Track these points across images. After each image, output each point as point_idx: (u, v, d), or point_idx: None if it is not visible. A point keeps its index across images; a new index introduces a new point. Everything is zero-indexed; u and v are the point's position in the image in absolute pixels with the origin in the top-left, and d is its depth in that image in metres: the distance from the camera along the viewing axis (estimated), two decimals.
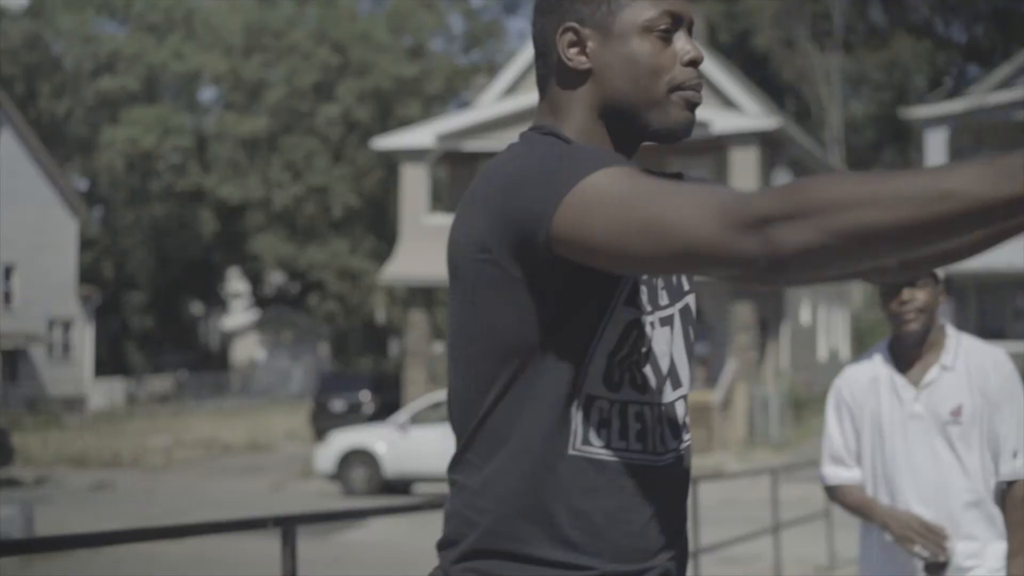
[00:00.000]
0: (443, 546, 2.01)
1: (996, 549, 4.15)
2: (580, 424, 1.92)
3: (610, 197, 1.76)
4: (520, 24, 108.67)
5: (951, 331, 4.25)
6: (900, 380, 4.23)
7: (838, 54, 47.37)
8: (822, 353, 36.53)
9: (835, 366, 37.59)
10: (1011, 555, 4.11)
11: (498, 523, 1.93)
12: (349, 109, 45.43)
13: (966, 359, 4.17)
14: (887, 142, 45.81)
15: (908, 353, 4.23)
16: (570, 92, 2.02)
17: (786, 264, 1.65)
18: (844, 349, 38.74)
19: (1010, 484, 4.15)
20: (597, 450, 1.93)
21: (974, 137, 32.55)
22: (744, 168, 31.15)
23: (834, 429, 4.39)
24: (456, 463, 2.00)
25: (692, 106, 2.00)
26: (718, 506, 18.96)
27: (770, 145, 31.94)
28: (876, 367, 4.31)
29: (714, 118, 31.17)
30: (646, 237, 1.73)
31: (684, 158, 33.20)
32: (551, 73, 2.04)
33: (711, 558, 12.18)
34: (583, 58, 2.00)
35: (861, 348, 38.24)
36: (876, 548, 4.33)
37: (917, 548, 4.09)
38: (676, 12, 1.99)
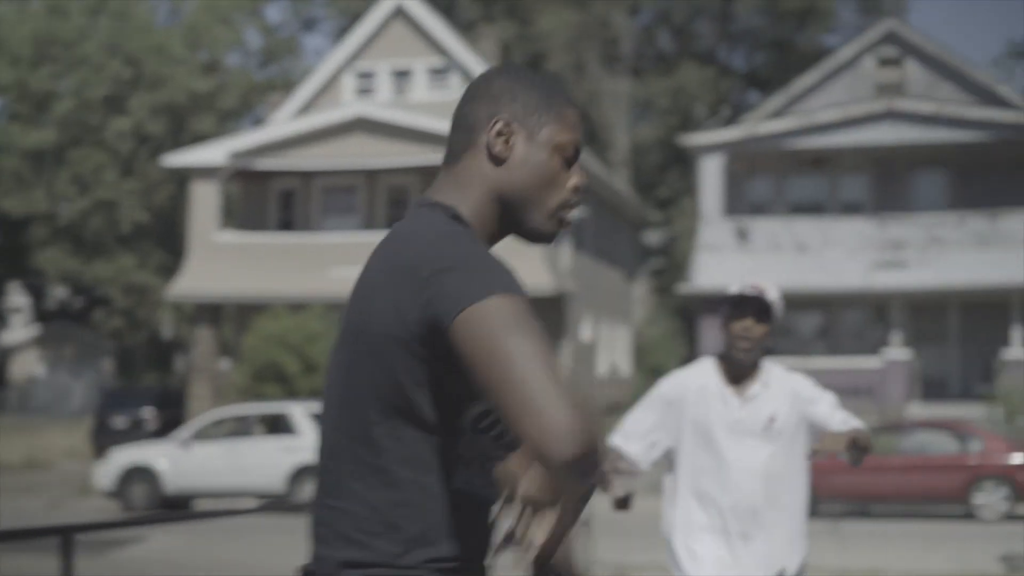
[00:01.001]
0: (352, 564, 2.20)
1: (786, 541, 5.00)
2: (456, 466, 2.22)
3: (501, 333, 2.00)
4: (316, 41, 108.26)
5: (766, 361, 5.01)
6: (728, 391, 4.95)
7: (627, 79, 48.72)
8: (602, 369, 37.41)
9: (615, 381, 38.72)
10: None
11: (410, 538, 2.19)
12: (141, 123, 44.93)
13: (779, 380, 4.96)
14: (671, 165, 47.28)
15: (735, 370, 4.94)
16: (480, 172, 2.30)
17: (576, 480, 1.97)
18: (624, 365, 39.75)
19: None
20: (469, 487, 2.24)
21: (748, 164, 33.98)
22: None
23: (639, 413, 5.08)
24: (335, 491, 2.23)
25: (566, 223, 2.36)
26: None
27: None
28: (705, 377, 5.01)
29: None
30: (507, 393, 1.96)
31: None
32: (467, 150, 2.32)
33: None
34: (505, 148, 2.30)
35: (642, 364, 39.47)
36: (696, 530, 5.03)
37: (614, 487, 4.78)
38: (579, 146, 2.36)
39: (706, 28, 53.15)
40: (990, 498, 21.06)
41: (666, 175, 47.25)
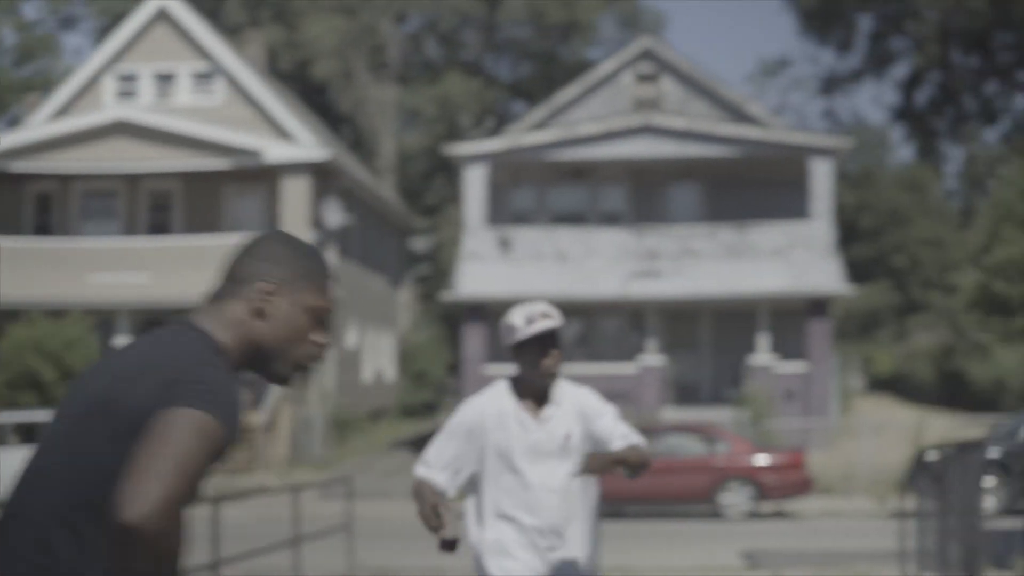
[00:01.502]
0: None
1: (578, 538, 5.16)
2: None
3: (178, 428, 2.36)
4: (76, 40, 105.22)
5: (559, 382, 5.16)
6: (524, 415, 5.08)
7: (394, 87, 49.07)
8: (367, 375, 37.69)
9: (380, 387, 39.02)
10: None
11: None
12: None
13: (570, 398, 5.12)
14: (437, 173, 47.84)
15: (529, 393, 5.10)
16: (241, 319, 2.67)
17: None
18: (390, 371, 40.09)
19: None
20: None
21: (511, 174, 34.73)
22: (296, 197, 31.98)
23: (441, 443, 5.15)
24: (47, 549, 2.44)
25: (305, 369, 2.76)
26: (257, 524, 19.73)
27: (322, 175, 32.93)
28: (501, 401, 5.13)
29: (267, 147, 31.89)
30: (139, 456, 2.32)
31: (238, 185, 33.79)
32: (234, 297, 2.68)
33: (233, 571, 12.85)
34: (268, 306, 2.68)
35: (407, 370, 39.89)
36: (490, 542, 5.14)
37: (432, 526, 4.82)
38: (331, 310, 2.78)
39: (472, 38, 53.92)
40: (735, 498, 22.17)
41: (432, 183, 47.78)
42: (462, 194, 34.06)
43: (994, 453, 19.80)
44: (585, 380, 30.98)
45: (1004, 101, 63.51)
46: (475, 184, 32.82)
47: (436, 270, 45.12)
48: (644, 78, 35.66)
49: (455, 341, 39.33)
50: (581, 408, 5.11)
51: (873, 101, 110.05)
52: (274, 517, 21.16)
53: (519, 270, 31.97)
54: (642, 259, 32.12)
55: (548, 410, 5.10)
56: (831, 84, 64.41)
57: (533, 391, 5.12)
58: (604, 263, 31.99)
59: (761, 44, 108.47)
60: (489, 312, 32.27)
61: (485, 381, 31.10)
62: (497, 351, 32.99)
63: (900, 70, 65.81)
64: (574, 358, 33.05)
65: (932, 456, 21.01)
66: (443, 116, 47.27)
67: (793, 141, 32.96)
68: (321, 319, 2.76)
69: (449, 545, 4.82)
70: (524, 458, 5.07)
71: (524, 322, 5.03)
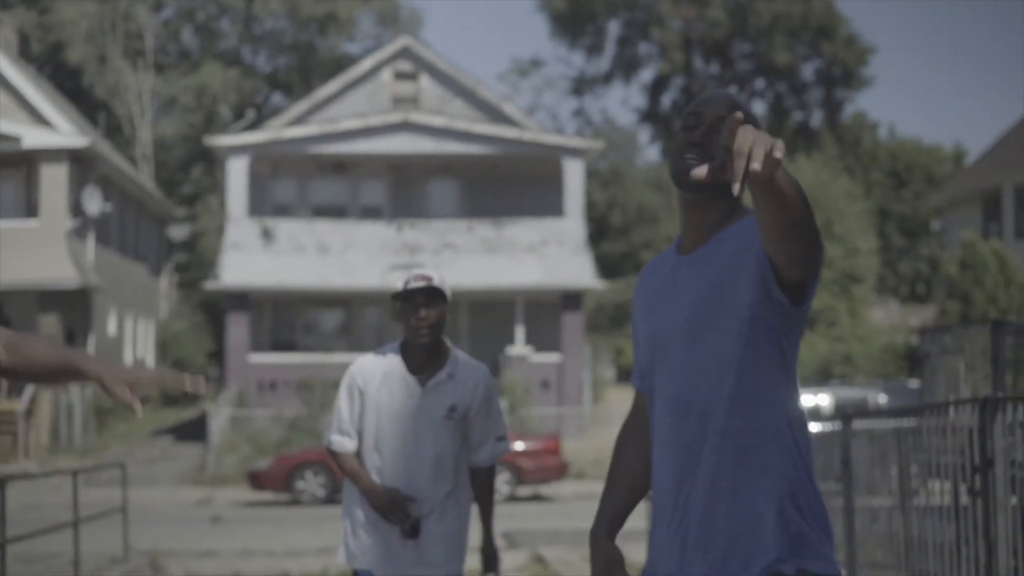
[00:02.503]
0: None
1: (457, 522, 5.20)
2: None
3: None
4: None
5: (451, 345, 5.25)
6: (411, 379, 5.12)
7: (150, 74, 48.52)
8: (128, 361, 37.31)
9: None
10: (484, 517, 5.29)
11: None
12: None
13: (464, 370, 5.18)
14: (195, 162, 47.56)
15: (419, 357, 5.14)
16: None
17: None
18: (150, 358, 39.85)
19: (487, 467, 5.29)
20: None
21: (273, 166, 35.08)
22: (54, 184, 31.59)
23: (344, 407, 5.16)
24: None
25: None
26: (20, 510, 19.69)
27: (81, 162, 32.60)
28: (390, 364, 5.16)
29: (25, 133, 31.40)
30: None
31: None
32: None
33: (11, 556, 12.98)
34: None
35: (167, 357, 39.70)
36: (359, 526, 5.17)
37: (392, 518, 5.02)
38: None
39: (229, 28, 53.68)
40: (496, 482, 23.18)
41: (190, 172, 47.46)
42: (225, 185, 34.21)
43: None
44: (344, 369, 31.62)
45: None
46: (237, 175, 33.02)
47: (195, 259, 44.89)
48: (403, 76, 36.44)
49: (216, 330, 39.33)
50: (475, 389, 5.16)
51: (622, 103, 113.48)
52: (34, 503, 21.16)
53: (281, 261, 32.37)
54: (402, 252, 32.92)
55: (438, 378, 5.14)
56: (582, 86, 66.47)
57: (423, 356, 5.14)
58: (365, 256, 32.64)
59: (515, 44, 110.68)
60: (252, 301, 32.56)
61: (250, 369, 31.45)
62: (261, 340, 33.32)
63: (647, 74, 68.31)
64: (336, 348, 33.63)
65: None
66: (201, 106, 47.01)
67: (547, 141, 34.30)
68: None
69: (413, 531, 5.02)
70: (404, 421, 5.10)
71: (402, 284, 5.12)
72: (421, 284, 5.08)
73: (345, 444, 5.15)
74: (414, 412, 5.11)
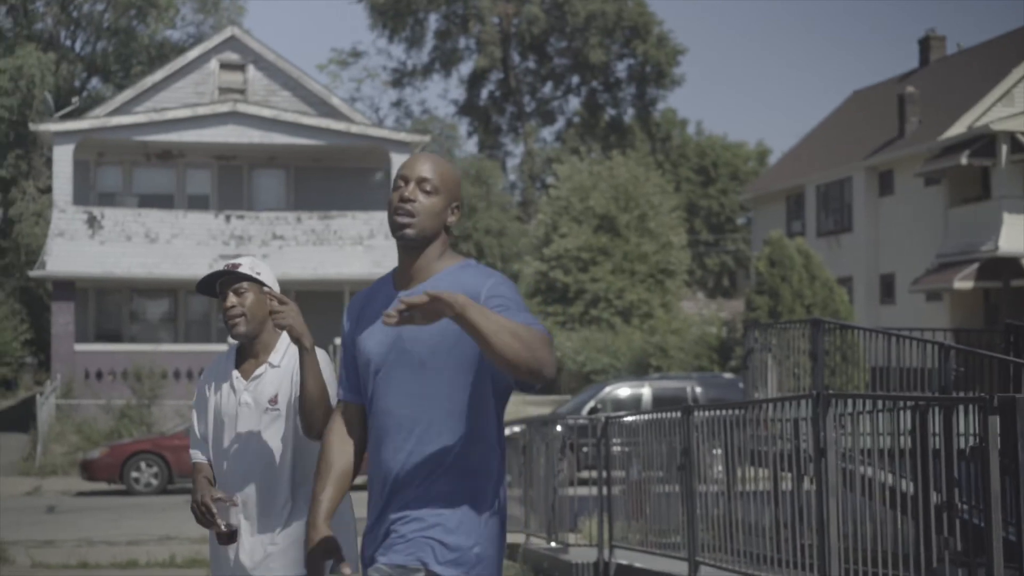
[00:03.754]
0: None
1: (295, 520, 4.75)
2: None
3: None
4: None
5: (284, 336, 4.78)
6: (236, 373, 4.79)
7: None
8: None
9: None
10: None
11: None
12: None
13: (289, 358, 4.74)
14: (13, 146, 46.59)
15: (247, 350, 4.81)
16: None
17: None
18: None
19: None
20: None
21: (98, 153, 34.87)
22: None
23: (194, 415, 4.92)
24: None
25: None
26: None
27: None
28: (222, 363, 4.89)
29: None
30: None
31: None
32: None
33: None
34: None
35: None
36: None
37: (203, 523, 4.65)
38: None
39: (45, 10, 52.65)
40: None
41: (6, 156, 46.48)
42: (51, 172, 33.88)
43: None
44: (172, 357, 31.56)
45: (559, 103, 68.28)
46: (63, 162, 32.76)
47: (12, 244, 44.10)
48: (230, 66, 36.52)
49: (34, 318, 38.86)
50: (295, 367, 4.73)
51: (441, 95, 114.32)
52: None
53: (108, 249, 32.28)
54: (230, 242, 33.13)
55: (260, 369, 4.80)
56: (402, 77, 67.02)
57: (251, 350, 4.84)
58: (192, 245, 32.76)
59: (335, 35, 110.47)
60: (78, 290, 32.40)
61: (76, 358, 31.33)
62: (86, 329, 33.16)
63: (466, 68, 69.22)
64: (163, 337, 33.65)
65: (513, 430, 23.43)
66: (17, 88, 46.08)
67: (374, 134, 34.90)
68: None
69: (227, 537, 4.70)
70: (231, 418, 4.79)
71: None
72: (220, 267, 4.82)
73: (198, 455, 4.92)
74: (241, 407, 4.78)
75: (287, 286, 33.77)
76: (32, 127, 34.44)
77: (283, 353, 4.78)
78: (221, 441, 4.82)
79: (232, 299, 4.74)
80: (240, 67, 36.40)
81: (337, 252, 33.32)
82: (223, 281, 4.77)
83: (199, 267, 32.25)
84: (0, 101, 44.59)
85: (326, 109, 36.05)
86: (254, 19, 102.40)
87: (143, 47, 50.70)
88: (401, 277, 3.79)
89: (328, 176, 35.83)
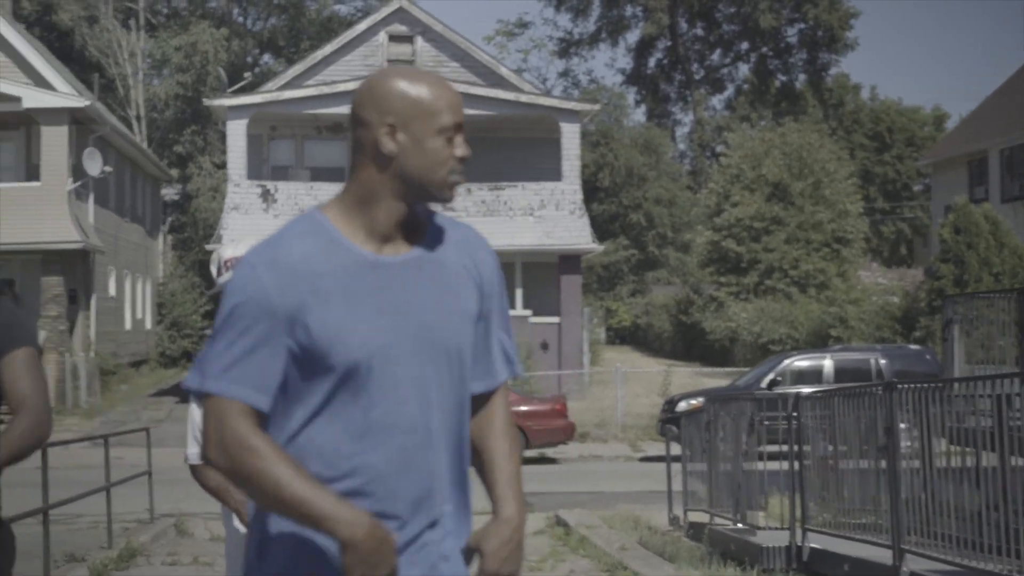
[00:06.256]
0: None
1: None
2: None
3: None
4: None
5: None
6: None
7: (142, 34, 48.38)
8: (128, 324, 37.57)
9: (140, 334, 38.98)
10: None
11: None
12: None
13: None
14: (189, 122, 47.52)
15: None
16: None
17: None
18: (148, 318, 40.05)
19: None
20: None
21: (270, 128, 35.20)
22: (55, 145, 31.62)
23: (195, 412, 4.62)
24: None
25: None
26: (32, 471, 19.89)
27: (81, 123, 32.64)
28: None
29: (25, 94, 31.38)
30: None
31: None
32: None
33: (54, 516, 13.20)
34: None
35: (164, 318, 39.88)
36: (236, 532, 4.64)
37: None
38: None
39: None
40: None
41: (183, 132, 47.43)
42: (226, 147, 34.29)
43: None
44: None
45: (728, 70, 67.08)
46: (237, 137, 33.11)
47: (190, 219, 44.97)
48: (398, 38, 36.52)
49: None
50: None
51: (608, 64, 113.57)
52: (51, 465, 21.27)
53: (282, 222, 32.06)
54: None
55: None
56: (568, 47, 66.54)
57: None
58: None
59: (501, 6, 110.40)
60: None
61: None
62: None
63: (633, 36, 68.41)
64: None
65: (685, 405, 22.83)
66: (192, 66, 46.94)
67: (544, 103, 34.52)
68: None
69: None
70: None
71: (215, 271, 4.72)
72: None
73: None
74: None
75: None
76: (206, 102, 34.88)
77: None
78: None
79: None
80: (408, 39, 36.36)
81: (507, 223, 33.07)
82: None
83: None
84: (175, 78, 45.37)
85: (495, 79, 35.79)
86: None
87: (312, 22, 51.15)
88: (369, 232, 2.75)
89: (498, 147, 35.55)
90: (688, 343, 42.95)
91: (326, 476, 2.63)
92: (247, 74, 41.16)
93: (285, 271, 2.68)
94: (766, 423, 12.57)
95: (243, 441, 2.59)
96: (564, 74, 67.27)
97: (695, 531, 13.65)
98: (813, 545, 10.84)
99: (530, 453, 23.95)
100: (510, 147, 35.55)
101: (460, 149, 2.76)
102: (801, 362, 24.66)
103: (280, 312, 2.65)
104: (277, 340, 2.65)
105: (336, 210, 2.75)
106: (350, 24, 43.68)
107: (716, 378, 31.16)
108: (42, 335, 30.10)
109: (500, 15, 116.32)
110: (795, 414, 11.37)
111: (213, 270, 4.65)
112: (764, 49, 64.85)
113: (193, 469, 4.64)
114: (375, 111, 2.67)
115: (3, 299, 3.92)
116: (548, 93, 43.92)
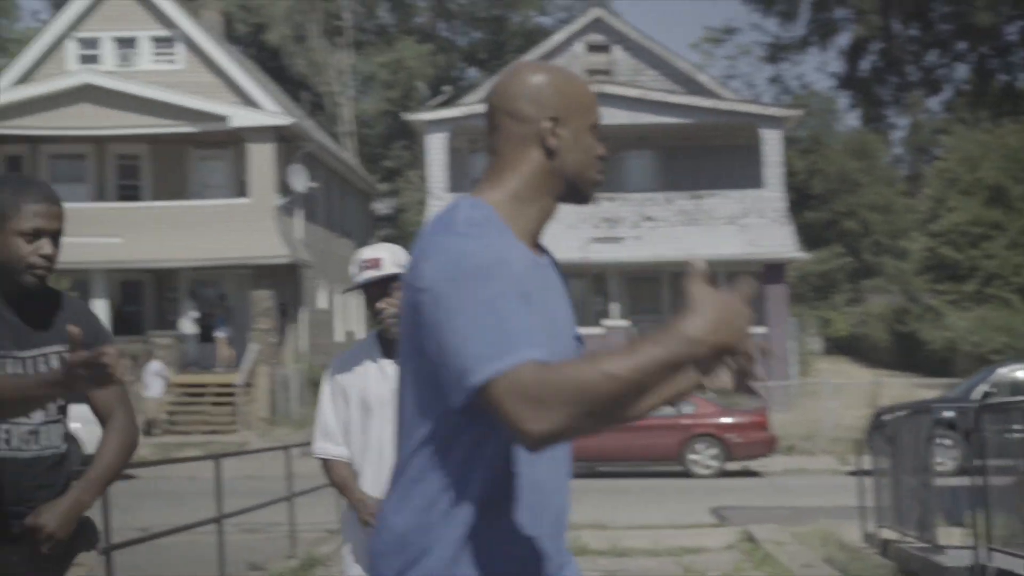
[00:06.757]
0: None
1: None
2: None
3: None
4: (33, 3, 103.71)
5: None
6: (386, 362, 4.67)
7: (349, 52, 49.34)
8: (339, 335, 38.22)
9: (351, 345, 39.63)
10: None
11: None
12: None
13: None
14: (396, 137, 48.22)
15: (394, 338, 4.60)
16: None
17: None
18: (360, 331, 40.69)
19: None
20: None
21: (470, 140, 35.34)
22: (262, 162, 32.36)
23: (327, 408, 4.78)
24: None
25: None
26: (242, 480, 20.28)
27: (286, 140, 33.34)
28: (366, 353, 4.74)
29: (232, 113, 32.23)
30: None
31: (203, 150, 34.15)
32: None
33: (233, 525, 13.33)
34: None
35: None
36: (355, 519, 4.76)
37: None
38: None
39: (424, 3, 54.23)
40: (703, 456, 22.97)
41: (391, 146, 48.17)
42: (425, 160, 34.58)
43: (948, 414, 20.62)
44: None
45: (945, 71, 64.88)
46: (436, 151, 33.36)
47: (400, 233, 45.63)
48: (595, 47, 36.30)
49: None
50: None
51: (819, 68, 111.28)
52: (255, 474, 21.71)
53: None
54: (601, 225, 32.86)
55: None
56: (777, 52, 65.38)
57: (392, 338, 4.69)
58: (564, 228, 32.67)
59: (707, 12, 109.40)
60: None
61: None
62: None
63: (843, 39, 66.82)
64: None
65: (887, 416, 21.88)
66: (397, 82, 47.65)
67: (744, 110, 33.79)
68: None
69: None
70: (383, 408, 4.67)
71: (355, 269, 4.76)
72: (374, 274, 4.65)
73: (329, 450, 4.77)
74: (388, 397, 4.63)
75: (658, 269, 33.26)
76: (405, 117, 35.25)
77: None
78: (368, 430, 4.68)
79: (384, 302, 4.62)
80: (605, 48, 36.12)
81: (709, 232, 32.45)
82: (373, 287, 4.66)
83: (571, 250, 32.15)
84: (382, 94, 46.08)
85: (694, 87, 35.25)
86: (623, 1, 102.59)
87: (515, 34, 51.38)
88: (524, 231, 2.55)
89: (697, 155, 34.99)
90: (906, 353, 41.54)
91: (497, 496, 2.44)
92: (446, 88, 41.46)
93: (513, 269, 2.37)
94: (978, 436, 11.81)
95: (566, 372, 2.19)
96: (774, 80, 66.20)
97: (886, 549, 12.96)
98: (999, 565, 10.11)
99: (732, 466, 23.37)
100: (710, 155, 34.93)
101: (601, 148, 2.66)
102: (1019, 372, 23.38)
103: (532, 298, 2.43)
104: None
105: (498, 205, 2.53)
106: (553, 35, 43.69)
107: (932, 390, 29.93)
108: (254, 348, 30.81)
109: (707, 22, 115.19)
110: (977, 426, 10.63)
111: (353, 270, 4.72)
112: (983, 48, 62.47)
113: (321, 462, 4.79)
114: (534, 105, 2.54)
115: (78, 300, 3.83)
116: (756, 100, 43.14)
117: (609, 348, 2.16)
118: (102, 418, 3.71)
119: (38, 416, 3.54)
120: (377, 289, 4.64)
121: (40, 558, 3.48)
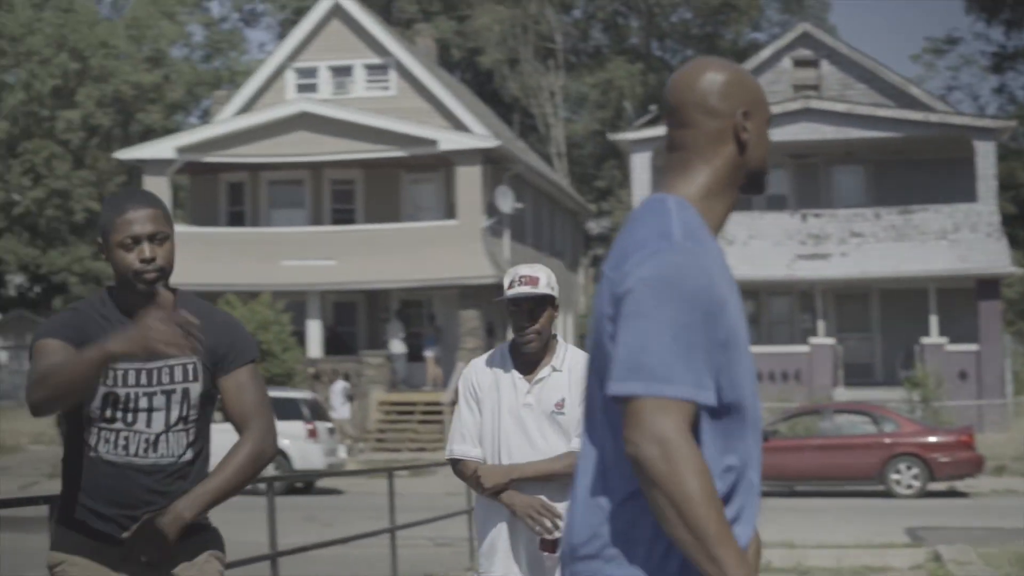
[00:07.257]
0: None
1: None
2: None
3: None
4: (259, 35, 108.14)
5: (561, 340, 4.85)
6: (517, 375, 4.76)
7: (561, 74, 49.98)
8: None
9: None
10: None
11: None
12: (90, 114, 45.70)
13: (570, 363, 4.74)
14: (607, 157, 48.57)
15: (524, 357, 4.78)
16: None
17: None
18: None
19: None
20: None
21: None
22: (469, 185, 33.11)
23: (464, 411, 4.85)
24: None
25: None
26: (440, 496, 20.75)
27: (494, 162, 34.04)
28: (499, 363, 4.82)
29: (441, 137, 33.08)
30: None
31: (414, 173, 35.16)
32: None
33: (425, 539, 13.72)
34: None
35: (582, 349, 40.85)
36: (500, 540, 4.79)
37: (538, 528, 4.62)
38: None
39: (635, 23, 54.49)
40: (904, 476, 22.58)
41: (602, 166, 48.56)
42: (630, 180, 34.83)
43: None
44: (756, 360, 31.84)
45: None
46: (641, 170, 33.52)
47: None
48: (803, 62, 35.98)
49: None
50: (580, 376, 4.60)
51: None
52: (455, 490, 22.17)
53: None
54: (807, 241, 32.54)
55: (543, 372, 4.80)
56: (1002, 62, 63.32)
57: (528, 356, 4.81)
58: (769, 245, 32.45)
59: (928, 23, 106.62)
60: None
61: None
62: None
63: None
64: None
65: None
66: (607, 102, 48.04)
67: (955, 122, 33.01)
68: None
69: (552, 545, 4.61)
70: (514, 418, 4.78)
71: (508, 282, 4.81)
72: (526, 292, 4.71)
73: (467, 451, 4.84)
74: (524, 408, 4.76)
75: (868, 285, 32.78)
76: (610, 137, 35.57)
77: (563, 357, 4.78)
78: (500, 438, 4.78)
79: (530, 323, 4.72)
80: (813, 63, 35.80)
81: (919, 247, 31.83)
82: (523, 300, 4.72)
83: (777, 268, 31.94)
84: (592, 114, 46.54)
85: (905, 100, 34.65)
86: (839, 15, 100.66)
87: (727, 51, 51.19)
88: (711, 227, 2.62)
89: (907, 169, 34.34)
90: None
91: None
92: (652, 107, 41.64)
93: (717, 263, 2.56)
94: None
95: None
96: (999, 90, 63.99)
97: None
98: None
99: (937, 486, 22.91)
100: (920, 169, 34.24)
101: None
102: None
103: (724, 306, 2.53)
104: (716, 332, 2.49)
105: (693, 201, 2.60)
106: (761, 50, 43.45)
107: None
108: (461, 367, 31.54)
109: (928, 33, 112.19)
110: None
111: (506, 282, 4.82)
112: None
113: (453, 462, 4.90)
114: (727, 100, 2.60)
115: (226, 312, 3.98)
116: (979, 112, 42.00)
117: None
118: (238, 427, 3.72)
119: (158, 424, 3.65)
120: (527, 305, 4.72)
121: (142, 565, 3.62)
